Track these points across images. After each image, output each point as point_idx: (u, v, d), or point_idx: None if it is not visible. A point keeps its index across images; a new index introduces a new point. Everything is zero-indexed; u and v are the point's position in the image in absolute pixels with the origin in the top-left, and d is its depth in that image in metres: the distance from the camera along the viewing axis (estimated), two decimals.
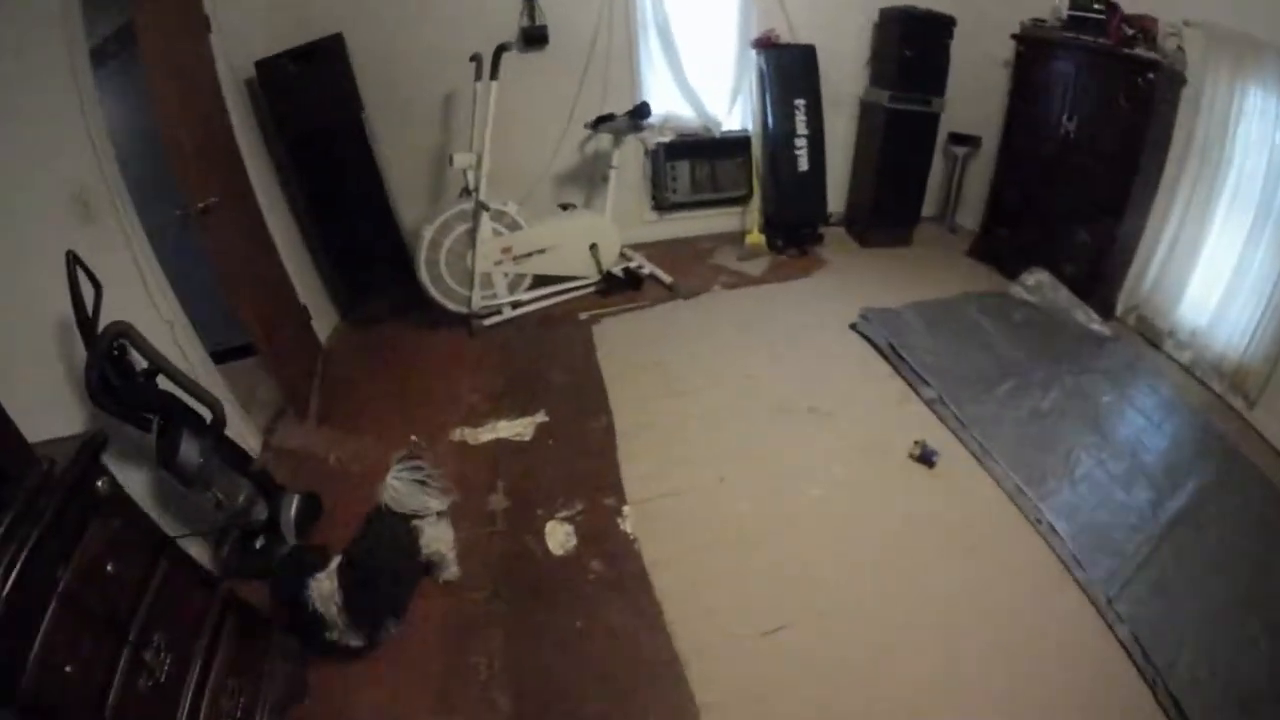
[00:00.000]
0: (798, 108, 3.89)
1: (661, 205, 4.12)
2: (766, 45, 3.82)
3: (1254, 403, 2.79)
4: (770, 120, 3.92)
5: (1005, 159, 4.16)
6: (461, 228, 3.19)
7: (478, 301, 3.30)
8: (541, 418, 2.73)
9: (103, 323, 1.64)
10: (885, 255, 4.19)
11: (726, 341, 3.18)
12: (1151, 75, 3.35)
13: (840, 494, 2.31)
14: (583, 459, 2.50)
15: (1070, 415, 2.74)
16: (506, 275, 3.36)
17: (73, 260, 1.58)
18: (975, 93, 4.19)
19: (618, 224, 3.64)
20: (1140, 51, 3.41)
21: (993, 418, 2.67)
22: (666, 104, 3.90)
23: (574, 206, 3.67)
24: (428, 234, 3.14)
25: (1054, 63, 3.78)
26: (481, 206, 3.12)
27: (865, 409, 2.73)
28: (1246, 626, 1.87)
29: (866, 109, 4.18)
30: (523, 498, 2.35)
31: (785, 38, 3.86)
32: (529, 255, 3.35)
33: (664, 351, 3.10)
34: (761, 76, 3.92)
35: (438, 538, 1.99)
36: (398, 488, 1.93)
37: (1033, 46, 3.91)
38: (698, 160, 4.05)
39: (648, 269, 3.76)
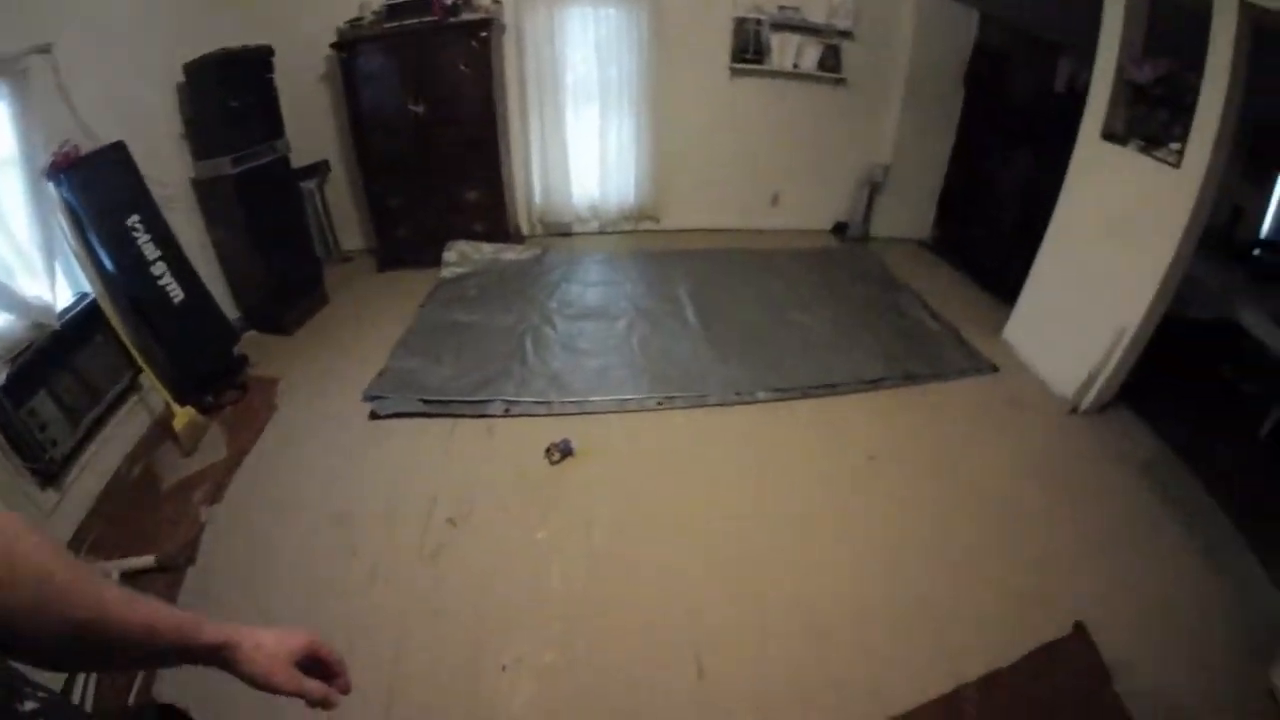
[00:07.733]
0: (135, 229, 2.68)
1: (48, 473, 2.26)
2: (67, 166, 2.28)
3: (659, 220, 4.73)
4: (108, 263, 2.60)
5: (369, 170, 3.92)
6: None
7: None
8: None
9: None
10: (317, 332, 3.56)
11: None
12: (485, 33, 3.57)
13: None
14: None
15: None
16: None
17: None
18: (306, 119, 3.79)
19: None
20: (467, 16, 3.58)
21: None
22: None
23: None
24: None
25: (384, 56, 3.63)
26: None
27: (486, 483, 2.50)
28: None
29: (207, 189, 3.18)
30: None
31: (85, 146, 2.37)
32: None
33: None
34: (73, 212, 2.41)
35: None
36: None
37: (356, 48, 3.59)
38: (52, 377, 2.32)
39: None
